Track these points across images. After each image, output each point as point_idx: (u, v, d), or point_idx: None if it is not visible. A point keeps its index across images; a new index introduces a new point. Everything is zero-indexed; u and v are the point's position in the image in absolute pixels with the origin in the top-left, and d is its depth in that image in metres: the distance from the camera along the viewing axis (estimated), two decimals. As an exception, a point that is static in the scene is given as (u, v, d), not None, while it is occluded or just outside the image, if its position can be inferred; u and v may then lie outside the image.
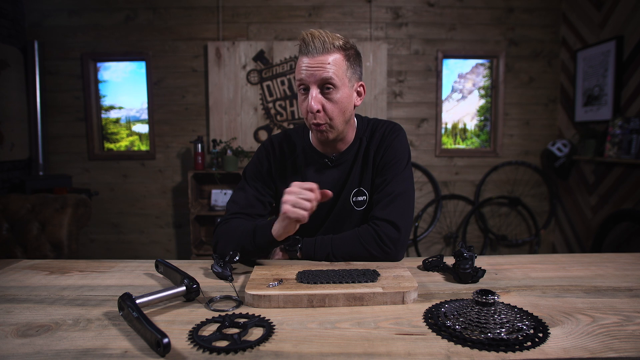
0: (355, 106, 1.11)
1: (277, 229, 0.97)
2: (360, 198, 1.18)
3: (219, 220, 1.16)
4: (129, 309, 0.67)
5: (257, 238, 0.99)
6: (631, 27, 2.77)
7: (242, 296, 0.81)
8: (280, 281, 0.83)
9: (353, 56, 1.06)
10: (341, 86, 1.03)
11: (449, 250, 3.64)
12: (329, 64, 1.00)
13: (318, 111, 1.02)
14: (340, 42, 1.03)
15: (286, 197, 0.92)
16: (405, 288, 0.79)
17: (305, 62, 1.01)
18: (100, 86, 3.52)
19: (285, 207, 0.91)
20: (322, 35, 1.00)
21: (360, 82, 1.11)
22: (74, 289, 0.88)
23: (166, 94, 3.42)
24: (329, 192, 0.95)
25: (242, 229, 1.05)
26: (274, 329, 0.67)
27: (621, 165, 2.85)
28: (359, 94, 1.11)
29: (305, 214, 0.91)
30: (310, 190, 0.91)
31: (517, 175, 3.58)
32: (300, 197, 0.91)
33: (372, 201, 1.14)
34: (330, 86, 1.02)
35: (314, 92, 1.02)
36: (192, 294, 0.79)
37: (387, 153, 1.14)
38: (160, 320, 0.71)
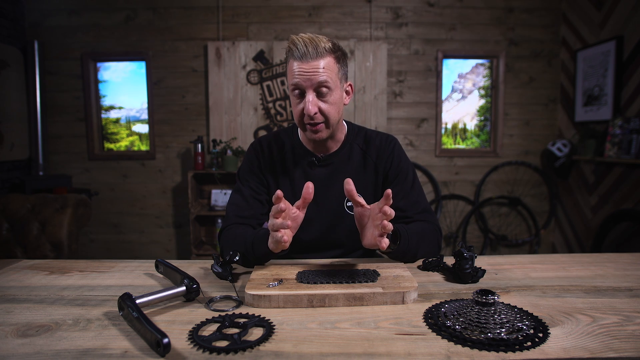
0: (344, 105, 1.14)
1: (270, 244, 0.92)
2: None
3: (219, 223, 1.16)
4: (129, 309, 0.67)
5: (255, 248, 0.98)
6: (631, 27, 2.77)
7: (242, 296, 0.81)
8: (280, 281, 0.83)
9: (341, 57, 1.09)
10: (334, 88, 1.07)
11: (449, 250, 3.64)
12: (323, 68, 1.03)
13: (315, 113, 1.05)
14: (330, 45, 1.05)
15: (269, 222, 0.88)
16: (405, 288, 0.79)
17: (299, 66, 1.03)
18: (100, 86, 3.52)
19: (272, 235, 0.87)
20: (314, 39, 1.03)
21: (349, 82, 1.16)
22: (74, 289, 0.88)
23: (166, 94, 3.42)
24: (309, 187, 0.87)
25: (243, 238, 1.03)
26: (274, 329, 0.67)
27: (621, 165, 2.85)
28: (347, 93, 1.15)
29: (284, 240, 0.84)
30: (277, 200, 0.83)
31: (517, 175, 3.58)
32: (274, 224, 0.85)
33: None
34: (325, 89, 1.05)
35: (310, 96, 1.04)
36: (192, 294, 0.79)
37: (393, 162, 1.19)
38: (160, 320, 0.71)
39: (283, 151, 1.21)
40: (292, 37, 1.04)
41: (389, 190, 0.83)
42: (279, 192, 0.82)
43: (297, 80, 1.04)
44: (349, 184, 0.88)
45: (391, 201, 0.83)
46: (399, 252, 1.00)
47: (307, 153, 1.20)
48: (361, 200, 0.90)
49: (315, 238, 1.19)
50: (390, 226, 0.82)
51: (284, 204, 0.83)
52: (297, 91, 1.06)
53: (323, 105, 1.06)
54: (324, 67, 1.03)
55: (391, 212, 0.82)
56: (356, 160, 1.20)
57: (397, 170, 1.19)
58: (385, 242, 0.84)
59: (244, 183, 1.20)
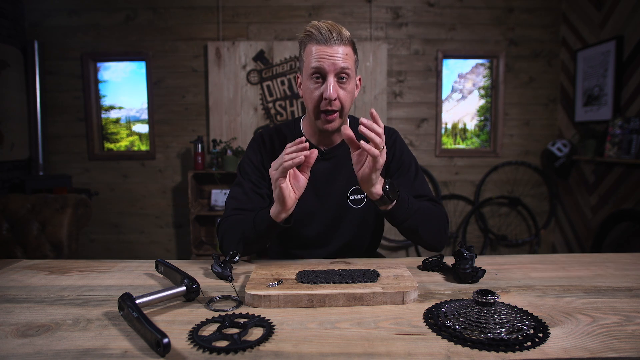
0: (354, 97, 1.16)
1: (272, 209, 0.96)
2: (358, 197, 1.18)
3: (219, 219, 1.16)
4: (129, 309, 0.67)
5: (257, 224, 0.99)
6: (631, 27, 2.77)
7: (242, 296, 0.81)
8: (280, 281, 0.83)
9: (356, 49, 1.11)
10: (352, 77, 1.08)
11: (449, 250, 3.64)
12: (346, 54, 1.04)
13: (335, 99, 1.05)
14: (349, 35, 1.06)
15: (272, 167, 0.93)
16: (405, 288, 0.79)
17: (322, 50, 1.03)
18: (100, 86, 3.52)
19: (271, 173, 0.92)
20: (336, 26, 1.04)
21: (359, 76, 1.16)
22: (74, 289, 0.88)
23: (166, 94, 3.42)
24: (312, 157, 0.92)
25: (243, 220, 1.05)
26: (274, 329, 0.67)
27: (621, 165, 2.85)
28: (356, 86, 1.15)
29: (287, 193, 0.91)
30: (297, 144, 0.89)
31: (517, 175, 3.58)
32: (281, 159, 0.90)
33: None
34: (345, 76, 1.05)
35: (332, 80, 1.03)
36: (192, 294, 0.79)
37: (395, 155, 1.19)
38: (160, 320, 0.71)
39: (286, 143, 1.20)
40: (313, 22, 1.04)
41: (372, 110, 0.88)
42: (303, 139, 0.88)
43: (319, 63, 1.03)
44: (346, 129, 0.89)
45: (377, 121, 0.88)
46: (399, 212, 1.00)
47: (310, 146, 1.19)
48: (360, 143, 0.90)
49: (319, 231, 1.18)
50: (376, 137, 0.86)
51: (307, 144, 0.87)
52: (316, 75, 1.05)
53: (341, 93, 1.06)
54: (346, 54, 1.04)
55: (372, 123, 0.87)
56: None
57: (399, 163, 1.19)
58: (379, 184, 0.91)
59: (245, 177, 1.19)
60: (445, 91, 3.64)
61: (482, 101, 3.69)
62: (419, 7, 3.42)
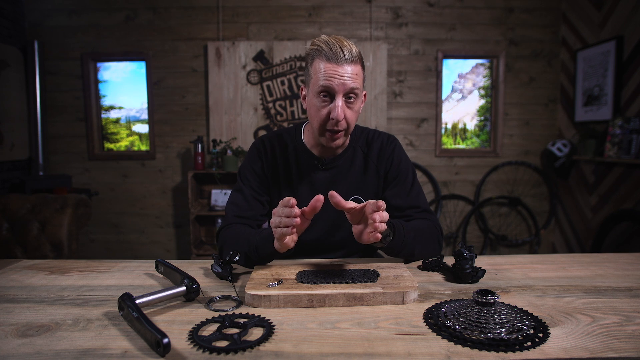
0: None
1: (276, 244, 0.91)
2: None
3: (219, 223, 1.16)
4: (129, 309, 0.67)
5: (260, 251, 0.97)
6: (631, 27, 2.77)
7: (242, 296, 0.81)
8: (280, 281, 0.83)
9: (364, 65, 1.09)
10: (360, 96, 1.07)
11: (449, 250, 3.64)
12: (356, 74, 1.02)
13: (342, 120, 1.03)
14: (358, 52, 1.04)
15: (272, 220, 0.88)
16: (405, 288, 0.79)
17: (332, 69, 1.00)
18: (100, 86, 3.52)
19: (275, 231, 0.87)
20: (346, 43, 1.01)
21: (364, 91, 1.14)
22: (74, 289, 0.88)
23: (166, 94, 3.42)
24: (320, 200, 0.84)
25: (245, 239, 1.02)
26: (274, 329, 0.67)
27: (621, 165, 2.85)
28: (362, 101, 1.14)
29: (288, 238, 0.86)
30: (290, 206, 0.84)
31: (517, 175, 3.58)
32: (283, 217, 0.85)
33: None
34: (353, 96, 1.04)
35: (340, 101, 1.01)
36: (192, 294, 0.79)
37: (393, 163, 1.19)
38: (160, 320, 0.71)
39: (286, 153, 1.20)
40: (323, 37, 1.02)
41: (382, 202, 0.83)
42: (293, 200, 0.83)
43: (329, 82, 1.00)
44: (334, 197, 0.84)
45: (381, 209, 0.84)
46: (395, 247, 0.97)
47: (311, 156, 1.18)
48: (351, 204, 0.86)
49: (317, 240, 1.19)
50: (381, 228, 0.83)
51: (298, 210, 0.84)
52: (324, 94, 1.03)
53: (348, 112, 1.04)
54: (356, 73, 1.02)
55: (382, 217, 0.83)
56: (358, 163, 1.20)
57: (396, 171, 1.19)
58: (377, 236, 0.83)
59: (246, 183, 1.19)
60: (445, 91, 3.64)
61: (482, 101, 3.69)
62: (419, 7, 3.42)
